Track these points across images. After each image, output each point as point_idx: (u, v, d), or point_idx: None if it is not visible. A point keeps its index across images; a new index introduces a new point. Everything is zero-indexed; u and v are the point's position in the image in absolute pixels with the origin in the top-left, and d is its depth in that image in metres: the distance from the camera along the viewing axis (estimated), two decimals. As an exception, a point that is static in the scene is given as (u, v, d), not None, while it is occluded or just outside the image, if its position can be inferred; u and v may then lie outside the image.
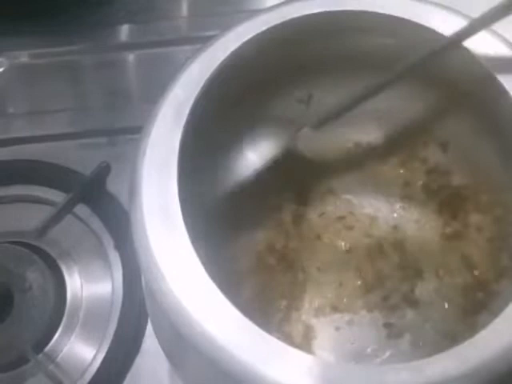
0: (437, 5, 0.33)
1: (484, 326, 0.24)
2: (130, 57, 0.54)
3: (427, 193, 0.39)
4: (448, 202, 0.38)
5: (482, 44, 0.31)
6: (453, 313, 0.36)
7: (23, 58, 0.54)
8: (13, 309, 0.41)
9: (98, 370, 0.39)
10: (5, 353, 0.40)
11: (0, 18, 0.52)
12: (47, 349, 0.41)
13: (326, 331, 0.36)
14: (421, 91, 0.36)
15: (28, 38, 0.54)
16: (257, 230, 0.39)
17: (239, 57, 0.32)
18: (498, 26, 0.32)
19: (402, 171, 0.40)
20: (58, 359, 0.41)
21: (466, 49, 0.31)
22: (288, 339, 0.35)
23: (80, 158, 0.47)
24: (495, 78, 0.31)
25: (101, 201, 0.45)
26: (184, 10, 0.56)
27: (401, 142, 0.40)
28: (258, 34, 0.32)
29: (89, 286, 0.43)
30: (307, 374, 0.23)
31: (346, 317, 0.37)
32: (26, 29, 0.53)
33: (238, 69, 0.32)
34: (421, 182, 0.39)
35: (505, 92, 0.30)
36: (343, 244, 0.39)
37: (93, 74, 0.54)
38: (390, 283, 0.37)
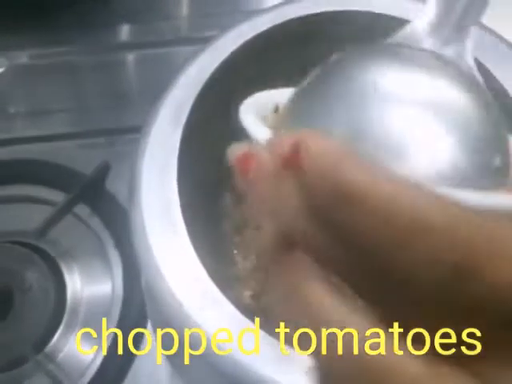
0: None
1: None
2: (130, 57, 0.54)
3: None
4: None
5: (481, 44, 0.31)
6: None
7: (23, 58, 0.54)
8: (13, 308, 0.41)
9: (98, 370, 0.39)
10: (5, 353, 0.40)
11: (0, 17, 0.52)
12: (47, 349, 0.41)
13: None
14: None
15: (28, 38, 0.54)
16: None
17: (239, 57, 0.32)
18: (499, 26, 0.32)
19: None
20: (58, 359, 0.41)
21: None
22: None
23: (80, 158, 0.47)
24: (495, 78, 0.31)
25: (101, 200, 0.45)
26: (184, 10, 0.56)
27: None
28: (257, 34, 0.32)
29: (89, 285, 0.43)
30: (307, 374, 0.23)
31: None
32: (25, 29, 0.53)
33: (238, 69, 0.32)
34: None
35: (504, 92, 0.30)
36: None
37: (93, 74, 0.54)
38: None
